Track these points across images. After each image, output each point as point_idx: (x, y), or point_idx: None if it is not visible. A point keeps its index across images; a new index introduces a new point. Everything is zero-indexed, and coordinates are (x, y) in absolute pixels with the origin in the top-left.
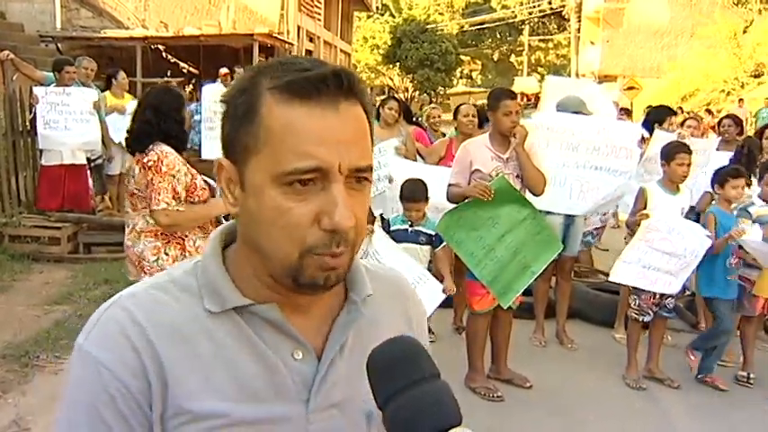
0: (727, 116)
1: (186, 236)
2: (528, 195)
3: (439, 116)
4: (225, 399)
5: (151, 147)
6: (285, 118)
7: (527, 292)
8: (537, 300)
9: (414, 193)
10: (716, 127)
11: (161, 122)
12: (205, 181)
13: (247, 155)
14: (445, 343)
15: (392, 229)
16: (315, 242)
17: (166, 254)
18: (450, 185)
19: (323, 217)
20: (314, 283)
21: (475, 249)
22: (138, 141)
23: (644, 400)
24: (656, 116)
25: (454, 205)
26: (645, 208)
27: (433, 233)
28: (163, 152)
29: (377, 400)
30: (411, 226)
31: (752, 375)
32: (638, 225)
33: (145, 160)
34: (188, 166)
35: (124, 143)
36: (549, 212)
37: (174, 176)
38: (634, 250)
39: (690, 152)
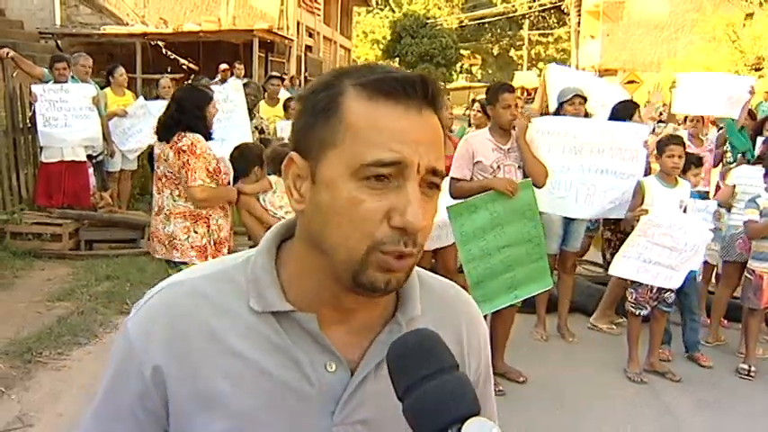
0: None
1: (210, 215)
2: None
3: (450, 114)
4: (249, 400)
5: (182, 134)
6: (369, 113)
7: None
8: (538, 294)
9: None
10: (716, 121)
11: (182, 116)
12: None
13: (323, 149)
14: None
15: None
16: (384, 238)
17: (196, 232)
18: (453, 179)
19: (394, 214)
20: (373, 286)
21: (474, 248)
22: (164, 131)
23: (645, 394)
24: (624, 112)
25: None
26: (642, 202)
27: None
28: (196, 137)
29: (396, 390)
30: None
31: (753, 368)
32: (637, 220)
33: (179, 145)
34: (213, 152)
35: (153, 132)
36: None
37: (206, 158)
38: (634, 246)
39: (682, 144)
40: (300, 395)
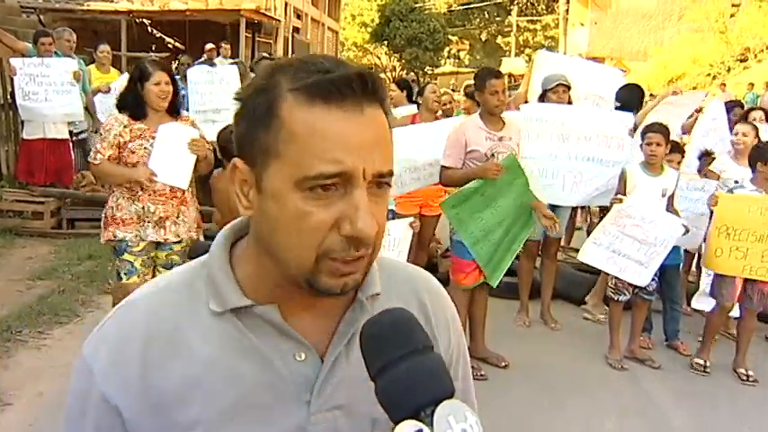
0: (736, 105)
1: (113, 191)
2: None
3: (451, 101)
4: (222, 405)
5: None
6: (308, 121)
7: (512, 273)
8: (522, 280)
9: None
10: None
11: (122, 91)
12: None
13: (266, 158)
14: None
15: None
16: (333, 246)
17: (103, 206)
18: (444, 168)
19: (343, 223)
20: (329, 291)
21: (474, 230)
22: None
23: (626, 380)
24: (631, 98)
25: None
26: (625, 189)
27: (394, 207)
28: (109, 116)
29: (369, 371)
30: None
31: (707, 363)
32: (610, 207)
33: None
34: (134, 130)
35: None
36: None
37: (101, 135)
38: (605, 234)
39: (662, 132)
40: (273, 390)
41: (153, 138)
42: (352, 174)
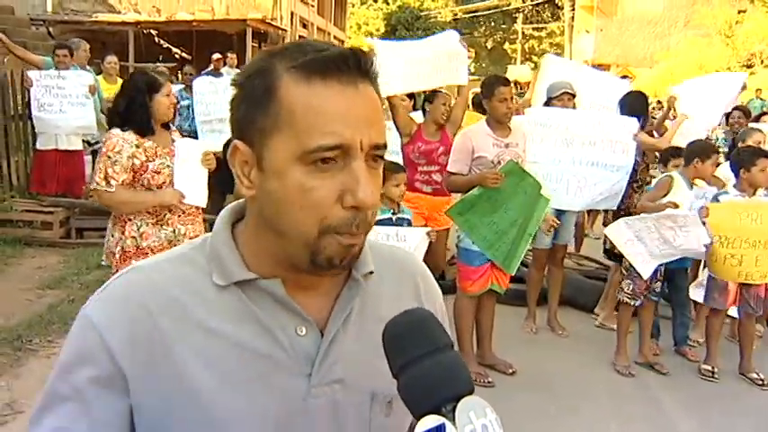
0: (737, 108)
1: (130, 219)
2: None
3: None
4: (225, 374)
5: (110, 130)
6: (306, 96)
7: (520, 280)
8: (530, 287)
9: (392, 166)
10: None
11: (121, 105)
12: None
13: (266, 135)
14: None
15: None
16: (336, 222)
17: (112, 235)
18: (450, 174)
19: (346, 195)
20: (331, 264)
21: (488, 234)
22: (109, 124)
23: (633, 387)
24: (638, 105)
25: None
26: (666, 195)
27: (410, 217)
28: (110, 134)
29: (392, 368)
30: (394, 214)
31: (716, 369)
32: (657, 210)
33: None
34: (146, 149)
35: None
36: None
37: (110, 158)
38: (640, 221)
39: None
40: (275, 362)
41: (168, 155)
42: (351, 145)
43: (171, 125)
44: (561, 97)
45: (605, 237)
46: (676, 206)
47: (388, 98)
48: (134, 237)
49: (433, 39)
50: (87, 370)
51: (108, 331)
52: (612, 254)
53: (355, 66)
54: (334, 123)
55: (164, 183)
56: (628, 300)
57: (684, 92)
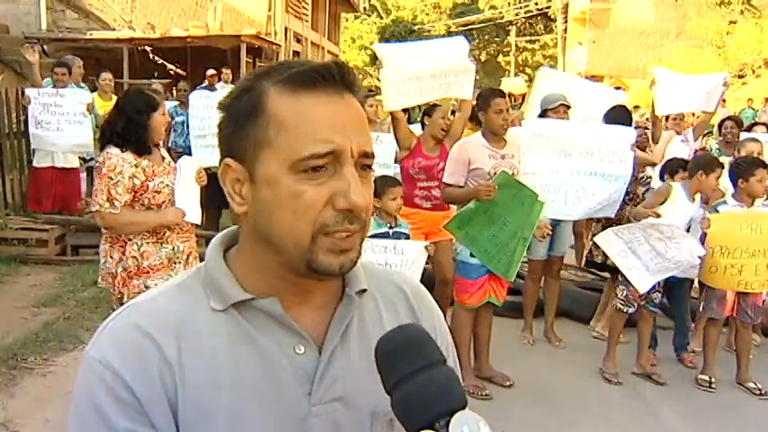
0: (729, 118)
1: (130, 239)
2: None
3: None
4: (228, 398)
5: (106, 149)
6: (294, 108)
7: (516, 292)
8: (526, 299)
9: (388, 181)
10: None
11: (119, 124)
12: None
13: (257, 149)
14: None
15: (371, 234)
16: (327, 220)
17: (111, 257)
18: (446, 185)
19: (337, 198)
20: (328, 270)
21: (489, 247)
22: (101, 142)
23: (630, 397)
24: (621, 119)
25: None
26: (663, 203)
27: (408, 231)
28: (108, 154)
29: (385, 385)
30: (390, 228)
31: (713, 379)
32: (646, 218)
33: (98, 161)
34: (144, 168)
35: None
36: None
37: (111, 179)
38: (630, 231)
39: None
40: (275, 382)
41: (164, 173)
42: (342, 151)
43: (160, 143)
44: (557, 109)
45: (591, 248)
46: (658, 215)
47: (391, 112)
48: (135, 257)
49: (442, 45)
50: (118, 415)
51: (121, 366)
52: (605, 266)
53: (339, 77)
54: (324, 131)
55: (164, 202)
56: (621, 306)
57: (665, 81)
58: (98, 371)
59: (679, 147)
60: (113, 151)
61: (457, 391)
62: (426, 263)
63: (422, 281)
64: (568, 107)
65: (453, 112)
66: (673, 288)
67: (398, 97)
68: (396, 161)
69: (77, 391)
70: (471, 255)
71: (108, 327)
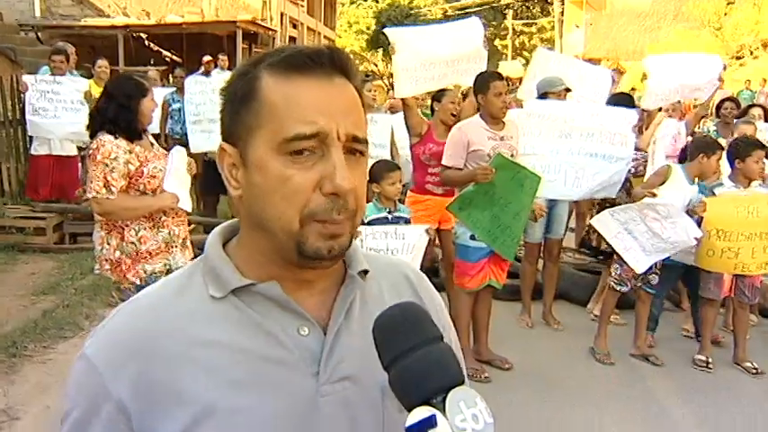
0: (728, 99)
1: (127, 225)
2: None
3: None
4: (233, 384)
5: (99, 135)
6: (284, 90)
7: (514, 275)
8: (524, 282)
9: (387, 165)
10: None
11: (110, 110)
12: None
13: (249, 133)
14: None
15: (370, 219)
16: (316, 207)
17: (108, 243)
18: (445, 168)
19: (324, 182)
20: (318, 254)
21: (491, 228)
22: (91, 129)
23: (628, 378)
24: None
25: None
26: (662, 184)
27: (409, 216)
28: (101, 141)
29: (382, 361)
30: (390, 213)
31: (710, 359)
32: (642, 198)
33: (91, 148)
34: (137, 154)
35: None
36: None
37: (107, 165)
38: (626, 212)
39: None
40: (281, 364)
41: (156, 158)
42: (327, 134)
43: (147, 129)
44: (559, 92)
45: (587, 231)
46: (654, 195)
47: (402, 98)
48: (133, 242)
49: (456, 28)
50: (99, 420)
51: (112, 377)
52: (598, 250)
53: (329, 61)
54: (310, 113)
55: (158, 186)
56: (614, 284)
57: (657, 67)
58: (87, 370)
59: (669, 129)
60: (106, 138)
61: (454, 368)
62: (435, 246)
63: (428, 267)
64: (569, 90)
65: (464, 96)
66: (688, 269)
67: (411, 84)
68: (392, 142)
69: (69, 390)
70: (471, 237)
71: (107, 325)
